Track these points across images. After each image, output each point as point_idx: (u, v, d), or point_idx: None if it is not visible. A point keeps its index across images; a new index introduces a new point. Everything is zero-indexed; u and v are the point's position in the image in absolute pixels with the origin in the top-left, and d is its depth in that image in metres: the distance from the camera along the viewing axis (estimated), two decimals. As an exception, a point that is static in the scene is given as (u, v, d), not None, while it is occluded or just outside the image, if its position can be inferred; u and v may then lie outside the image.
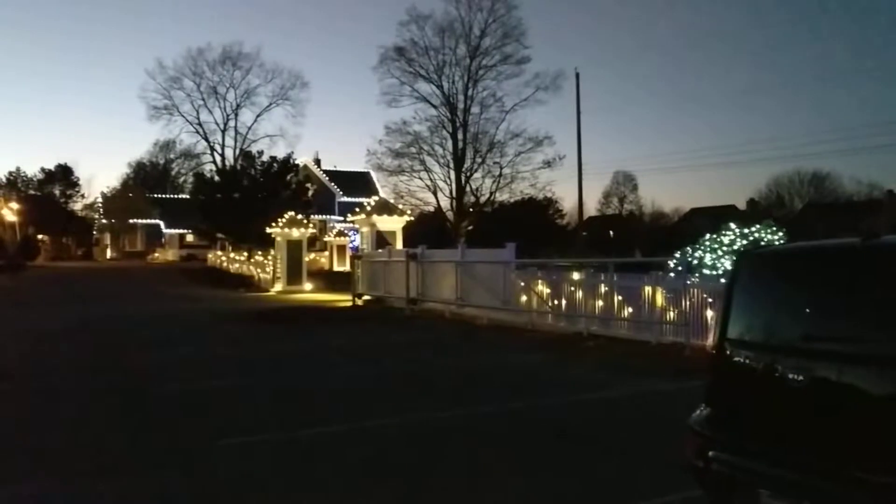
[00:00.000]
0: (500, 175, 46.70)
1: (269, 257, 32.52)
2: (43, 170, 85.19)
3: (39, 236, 65.78)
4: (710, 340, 10.39)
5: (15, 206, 62.81)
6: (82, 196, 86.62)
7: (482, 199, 47.51)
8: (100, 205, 76.87)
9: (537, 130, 47.53)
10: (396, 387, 9.23)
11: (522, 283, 15.73)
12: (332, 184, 70.27)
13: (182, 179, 78.23)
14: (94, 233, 77.83)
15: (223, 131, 67.06)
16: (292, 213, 31.48)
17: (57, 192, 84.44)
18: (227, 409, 7.93)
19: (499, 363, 11.17)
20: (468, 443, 6.44)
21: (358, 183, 67.67)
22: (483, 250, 19.75)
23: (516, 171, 46.82)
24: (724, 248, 12.75)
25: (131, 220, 72.77)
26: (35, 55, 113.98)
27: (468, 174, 46.71)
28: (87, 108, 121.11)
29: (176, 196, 73.05)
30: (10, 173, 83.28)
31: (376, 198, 30.10)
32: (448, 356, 12.01)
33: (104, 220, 75.36)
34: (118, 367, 11.00)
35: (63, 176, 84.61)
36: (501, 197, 48.11)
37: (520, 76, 46.50)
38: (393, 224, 27.14)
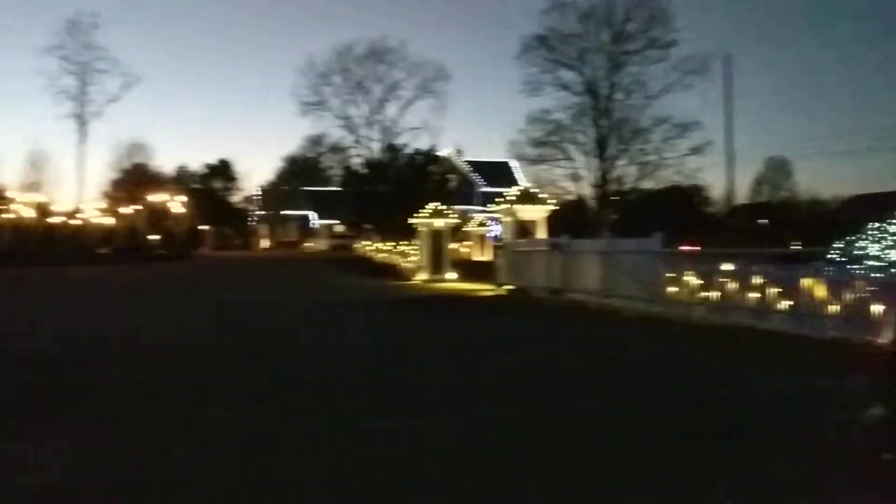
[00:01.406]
0: (645, 163, 45.54)
1: (413, 247, 33.26)
2: (206, 165, 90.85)
3: (202, 227, 70.31)
4: (883, 337, 9.68)
5: (182, 199, 67.45)
6: (240, 189, 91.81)
7: (625, 188, 46.49)
8: (257, 197, 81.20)
9: (684, 116, 45.96)
10: (548, 378, 9.14)
11: (671, 274, 15.25)
12: (474, 174, 70.87)
13: (331, 172, 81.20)
14: (251, 224, 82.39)
15: (369, 125, 69.03)
16: (435, 204, 31.98)
17: (218, 186, 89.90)
18: (383, 395, 8.13)
19: (651, 356, 10.86)
20: (618, 435, 6.31)
21: (499, 173, 67.89)
22: (628, 240, 19.30)
23: (661, 159, 45.52)
24: (893, 238, 11.84)
25: (285, 212, 76.45)
26: (199, 60, 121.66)
27: (611, 162, 45.83)
28: (245, 106, 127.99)
29: (326, 188, 75.97)
30: (178, 169, 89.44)
31: (517, 187, 30.04)
32: (596, 348, 11.82)
33: (260, 212, 79.61)
34: (273, 349, 11.54)
35: (223, 171, 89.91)
36: (646, 185, 46.92)
37: (666, 61, 45.11)
38: (535, 213, 27.00)
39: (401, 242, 37.31)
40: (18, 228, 57.58)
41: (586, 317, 16.00)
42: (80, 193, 66.74)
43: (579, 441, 6.16)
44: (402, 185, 47.56)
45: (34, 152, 77.29)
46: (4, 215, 61.52)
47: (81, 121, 62.81)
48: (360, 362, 10.34)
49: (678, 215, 41.09)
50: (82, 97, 63.12)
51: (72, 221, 62.68)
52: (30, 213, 61.31)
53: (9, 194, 66.62)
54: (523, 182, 48.42)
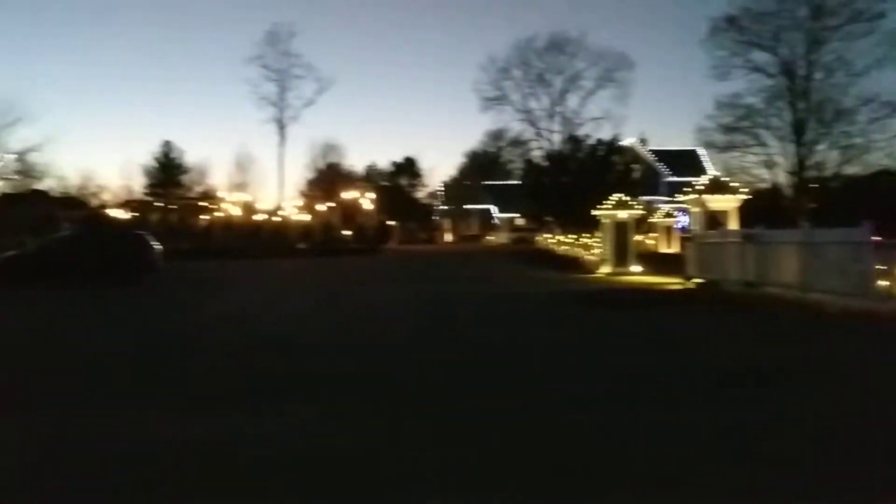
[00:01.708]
0: (849, 146, 42.04)
1: (596, 239, 32.86)
2: (392, 163, 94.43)
3: (390, 223, 73.16)
4: None
5: (371, 196, 70.56)
6: (425, 185, 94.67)
7: (826, 174, 43.17)
8: (440, 193, 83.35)
9: (894, 94, 41.86)
10: (745, 382, 8.65)
11: (882, 266, 14.08)
12: (659, 163, 68.71)
13: (512, 166, 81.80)
14: (435, 218, 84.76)
15: (550, 117, 68.76)
16: (619, 195, 31.39)
17: (404, 183, 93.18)
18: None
19: (866, 357, 10.07)
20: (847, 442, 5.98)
21: (685, 161, 65.40)
22: (831, 230, 18.00)
23: (869, 141, 41.84)
24: None
25: (467, 206, 77.94)
26: (386, 61, 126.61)
27: (809, 147, 42.72)
28: (429, 104, 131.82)
29: (506, 182, 76.62)
30: (367, 167, 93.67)
31: (706, 176, 28.85)
32: (799, 347, 11.15)
33: (443, 207, 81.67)
34: (459, 341, 11.87)
35: (408, 167, 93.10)
36: (850, 170, 43.30)
37: (872, 34, 41.34)
38: (726, 203, 25.83)
39: (583, 235, 36.95)
40: (228, 226, 62.82)
41: (787, 313, 15.10)
42: (280, 192, 71.68)
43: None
44: (584, 176, 47.01)
45: (240, 155, 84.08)
46: (216, 214, 67.36)
47: (281, 125, 67.41)
48: (552, 357, 10.44)
49: (889, 202, 37.48)
50: (281, 102, 67.73)
51: (273, 219, 67.43)
52: (237, 212, 66.70)
53: (219, 195, 72.91)
54: (712, 171, 46.30)
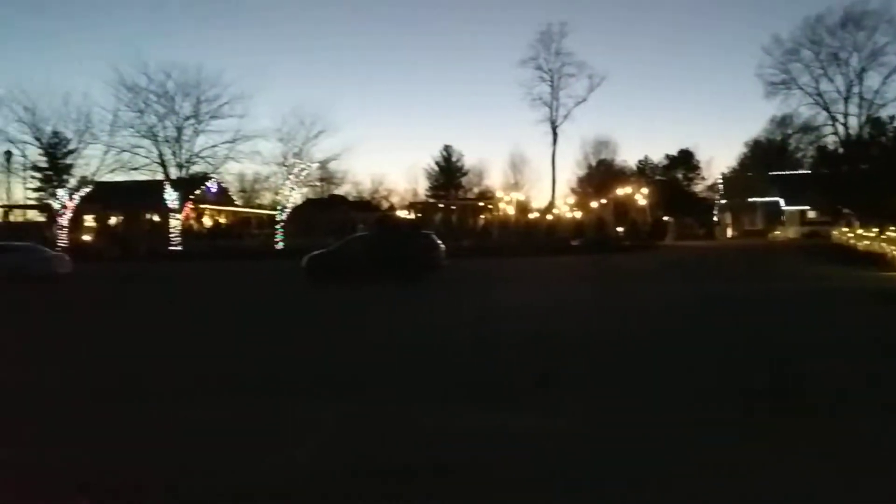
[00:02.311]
0: None
1: (906, 233, 29.24)
2: (667, 156, 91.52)
3: (665, 218, 70.97)
4: None
5: (645, 191, 69.01)
6: (702, 178, 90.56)
7: None
8: (719, 185, 79.21)
9: None
10: None
11: None
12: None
13: (801, 154, 75.38)
14: (714, 213, 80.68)
15: (845, 99, 62.27)
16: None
17: (679, 176, 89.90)
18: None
19: None
20: None
21: None
22: None
23: None
24: None
25: (750, 199, 73.26)
26: (658, 53, 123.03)
27: None
28: (705, 93, 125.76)
29: (795, 172, 70.80)
30: (640, 162, 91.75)
31: None
32: None
33: (723, 200, 77.51)
34: (764, 346, 11.26)
35: (684, 160, 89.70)
36: None
37: None
38: None
39: (889, 228, 33.06)
40: (503, 224, 65.02)
41: None
42: (553, 191, 72.62)
43: None
44: (889, 163, 42.04)
45: (514, 156, 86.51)
46: (492, 213, 70.00)
47: (553, 124, 68.23)
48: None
49: None
50: (554, 102, 68.51)
51: (547, 217, 68.59)
52: (512, 211, 68.75)
53: (495, 195, 75.67)
54: None
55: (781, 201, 72.55)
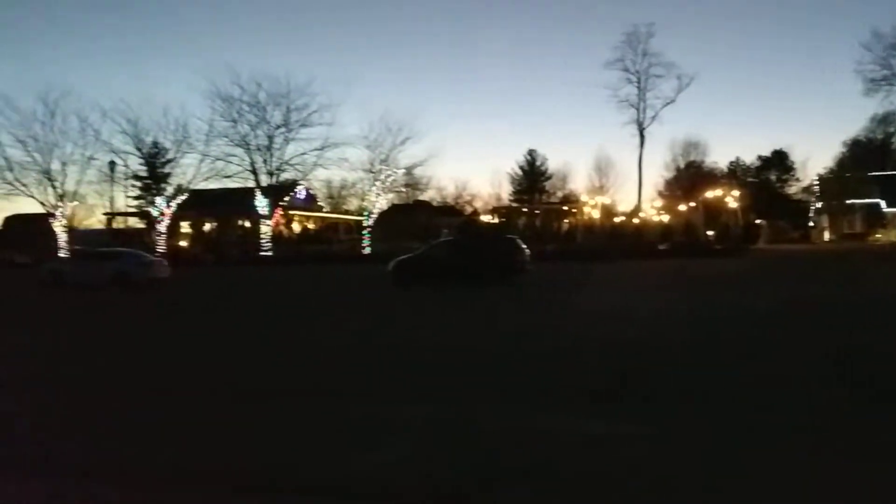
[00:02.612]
0: None
1: None
2: (759, 157, 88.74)
3: (758, 221, 68.84)
4: None
5: (736, 193, 67.07)
6: (797, 179, 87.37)
7: None
8: (815, 187, 76.25)
9: None
10: None
11: None
12: None
13: (905, 153, 71.84)
14: (810, 215, 77.72)
15: (956, 94, 58.92)
16: None
17: (773, 178, 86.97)
18: None
19: None
20: None
21: None
22: None
23: None
24: None
25: (848, 201, 70.22)
26: (749, 50, 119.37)
27: None
28: (800, 92, 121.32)
29: (896, 172, 67.53)
30: (731, 163, 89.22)
31: None
32: None
33: (819, 203, 74.58)
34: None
35: (778, 161, 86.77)
36: None
37: None
38: None
39: None
40: (589, 228, 64.35)
41: None
42: (639, 194, 71.35)
43: None
44: None
45: (600, 159, 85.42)
46: (577, 217, 69.38)
47: (640, 126, 67.04)
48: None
49: None
50: (641, 103, 67.34)
51: (633, 220, 67.48)
52: (597, 215, 67.97)
53: (580, 198, 74.96)
54: None
55: (883, 203, 69.24)
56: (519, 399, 7.90)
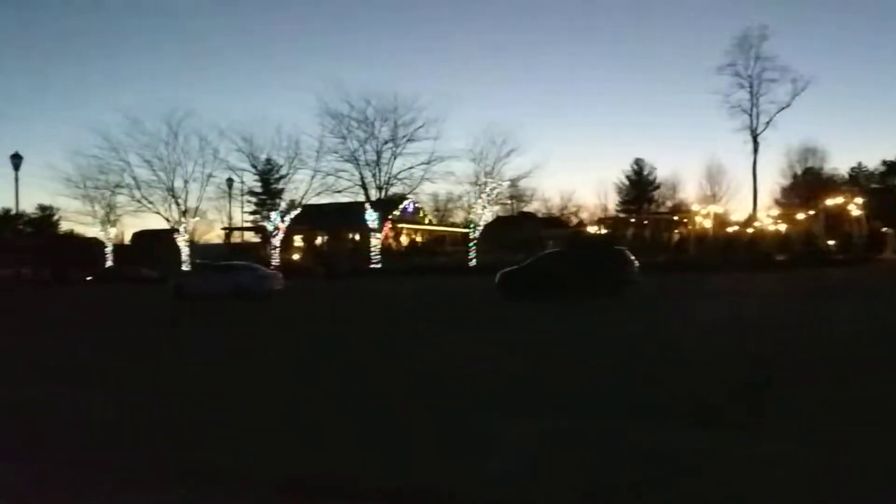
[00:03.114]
0: None
1: None
2: (884, 162, 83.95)
3: (884, 229, 65.00)
4: None
5: (859, 200, 63.62)
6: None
7: None
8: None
9: None
10: None
11: None
12: None
13: None
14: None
15: None
16: None
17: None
18: None
19: None
20: None
21: None
22: None
23: None
24: None
25: None
26: (869, 52, 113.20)
27: None
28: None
29: None
30: (852, 169, 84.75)
31: None
32: None
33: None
34: None
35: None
36: None
37: None
38: None
39: None
40: (700, 239, 62.42)
41: None
42: (754, 202, 68.73)
43: None
44: None
45: (711, 167, 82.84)
46: (687, 227, 67.45)
47: (753, 132, 64.63)
48: None
49: None
50: (754, 109, 64.94)
51: (747, 230, 65.00)
52: (708, 225, 65.87)
53: (690, 208, 72.87)
54: None
55: None
56: (640, 413, 7.75)
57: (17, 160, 39.11)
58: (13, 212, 67.98)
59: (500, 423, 7.32)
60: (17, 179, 39.20)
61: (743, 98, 66.13)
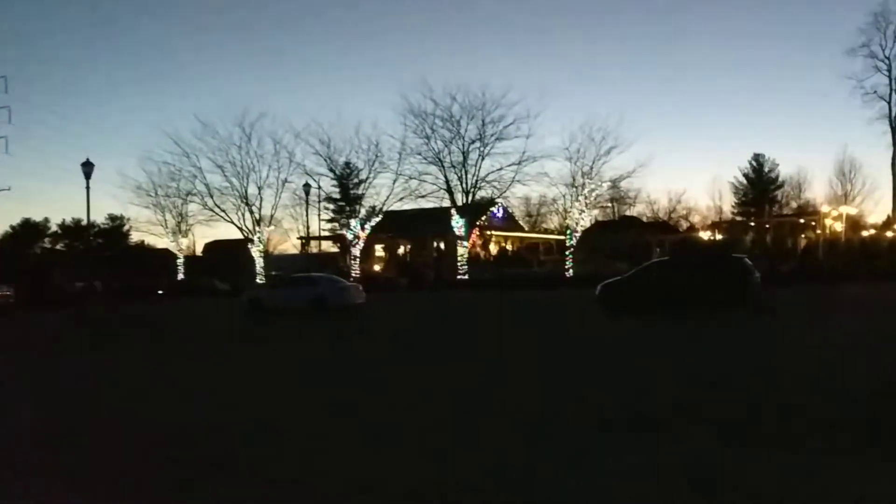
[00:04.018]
0: None
1: None
2: None
3: None
4: None
5: None
6: None
7: None
8: None
9: None
10: None
11: None
12: None
13: None
14: None
15: None
16: None
17: None
18: None
19: None
20: None
21: None
22: None
23: None
24: None
25: None
26: None
27: None
28: None
29: None
30: None
31: None
32: None
33: None
34: None
35: None
36: None
37: None
38: None
39: None
40: (831, 244, 59.91)
41: None
42: (894, 202, 65.66)
43: None
44: None
45: (843, 162, 79.69)
46: (816, 231, 64.87)
47: (892, 122, 61.82)
48: None
49: None
50: (893, 95, 62.15)
51: (887, 233, 62.10)
52: (841, 228, 63.21)
53: (819, 209, 70.12)
54: None
55: None
56: (776, 445, 7.36)
57: (88, 168, 40.80)
58: (84, 222, 71.12)
59: (620, 444, 7.05)
60: (87, 188, 40.80)
61: (880, 83, 63.49)
